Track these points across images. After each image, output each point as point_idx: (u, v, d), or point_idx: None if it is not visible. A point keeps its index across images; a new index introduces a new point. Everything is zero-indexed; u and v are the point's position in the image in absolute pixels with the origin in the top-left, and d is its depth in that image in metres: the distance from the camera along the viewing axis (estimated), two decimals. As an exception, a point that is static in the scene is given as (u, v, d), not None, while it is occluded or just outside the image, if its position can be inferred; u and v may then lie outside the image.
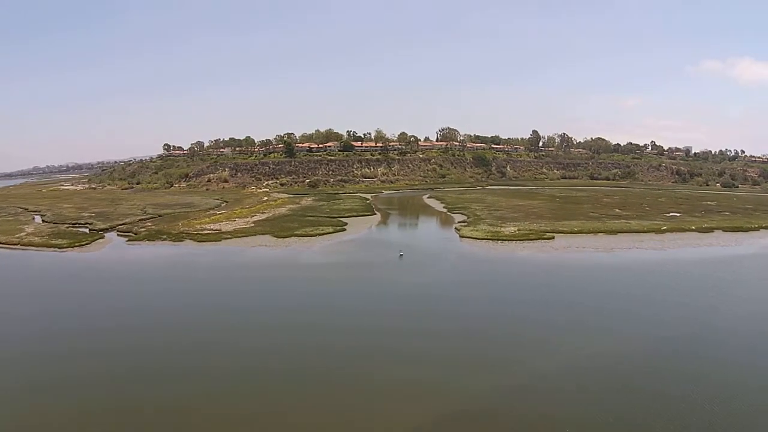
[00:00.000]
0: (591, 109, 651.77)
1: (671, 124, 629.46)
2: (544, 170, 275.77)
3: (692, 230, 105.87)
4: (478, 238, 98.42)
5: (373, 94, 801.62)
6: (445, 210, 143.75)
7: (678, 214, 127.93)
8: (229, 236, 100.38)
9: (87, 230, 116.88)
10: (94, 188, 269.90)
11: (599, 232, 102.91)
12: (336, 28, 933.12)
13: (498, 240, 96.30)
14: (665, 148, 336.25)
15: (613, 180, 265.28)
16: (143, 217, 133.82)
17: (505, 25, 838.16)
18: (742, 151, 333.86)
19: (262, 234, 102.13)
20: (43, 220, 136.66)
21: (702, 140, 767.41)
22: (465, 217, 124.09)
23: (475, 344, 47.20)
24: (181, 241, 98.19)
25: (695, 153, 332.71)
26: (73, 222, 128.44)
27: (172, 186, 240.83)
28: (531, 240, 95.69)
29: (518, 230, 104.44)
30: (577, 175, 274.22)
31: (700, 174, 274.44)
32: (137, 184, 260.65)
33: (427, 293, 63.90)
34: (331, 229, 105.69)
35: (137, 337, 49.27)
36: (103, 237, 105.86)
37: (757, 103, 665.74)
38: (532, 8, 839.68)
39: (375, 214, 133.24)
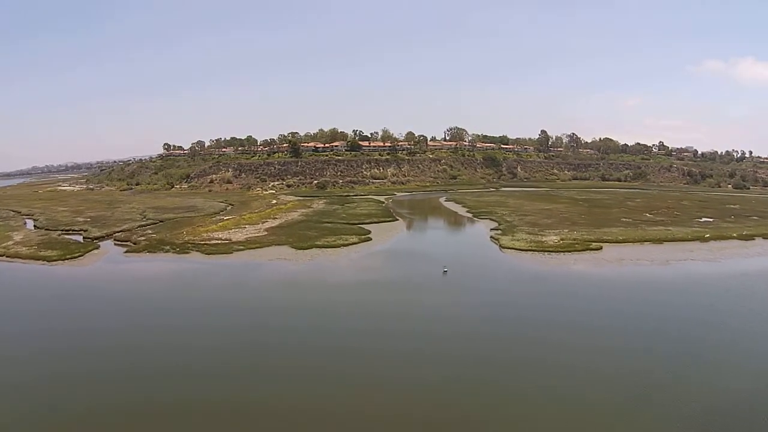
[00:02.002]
0: (591, 108, 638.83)
1: (672, 124, 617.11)
2: (555, 171, 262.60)
3: (734, 238, 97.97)
4: (522, 249, 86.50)
5: (373, 93, 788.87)
6: (470, 215, 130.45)
7: (710, 220, 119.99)
8: (241, 247, 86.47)
9: (81, 238, 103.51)
10: (92, 189, 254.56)
11: (644, 241, 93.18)
12: (335, 28, 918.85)
13: (544, 251, 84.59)
14: (670, 148, 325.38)
15: (625, 181, 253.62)
16: (143, 222, 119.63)
17: (505, 24, 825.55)
18: (750, 152, 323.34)
19: (279, 244, 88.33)
20: (35, 226, 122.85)
21: (702, 140, 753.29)
22: (496, 224, 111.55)
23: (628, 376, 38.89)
24: (187, 253, 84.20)
25: (702, 153, 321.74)
26: (66, 228, 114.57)
27: (172, 187, 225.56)
28: (578, 251, 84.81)
29: (561, 240, 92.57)
30: (589, 176, 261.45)
31: (711, 175, 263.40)
32: (136, 185, 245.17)
33: (505, 322, 51.91)
34: (355, 239, 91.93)
35: (134, 396, 35.56)
36: (98, 247, 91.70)
37: (759, 103, 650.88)
38: (532, 7, 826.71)
39: (396, 219, 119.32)
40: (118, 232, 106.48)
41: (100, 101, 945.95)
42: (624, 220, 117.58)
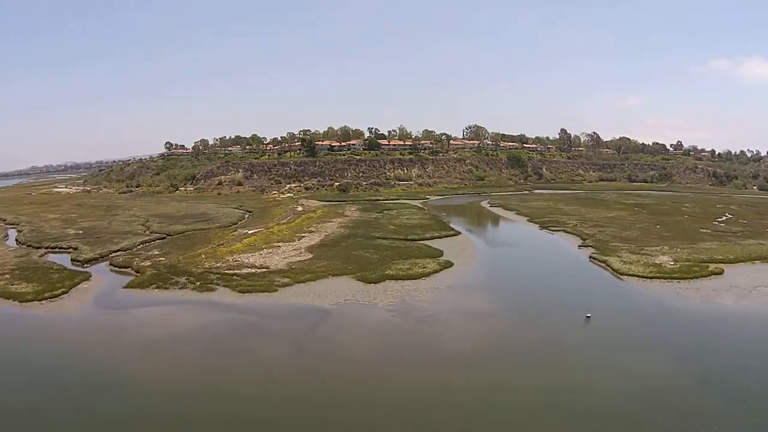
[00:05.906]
0: (591, 108, 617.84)
1: (674, 123, 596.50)
2: (581, 172, 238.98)
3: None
4: (643, 276, 63.64)
5: (381, 92, 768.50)
6: (534, 225, 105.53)
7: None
8: (286, 279, 60.52)
9: (69, 258, 77.97)
10: (89, 191, 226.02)
11: (754, 259, 73.05)
12: (339, 28, 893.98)
13: (670, 279, 62.33)
14: (686, 148, 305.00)
15: (652, 182, 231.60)
16: (146, 237, 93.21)
17: (505, 24, 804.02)
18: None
19: (336, 274, 62.53)
20: (17, 240, 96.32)
21: (705, 140, 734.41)
22: (578, 238, 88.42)
23: None
24: (211, 289, 58.22)
25: (719, 154, 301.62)
26: (53, 245, 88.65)
27: (177, 190, 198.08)
28: (703, 276, 63.75)
29: (675, 261, 69.98)
30: (614, 177, 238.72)
31: (736, 176, 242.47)
32: (137, 186, 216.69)
33: None
34: (434, 265, 66.11)
35: None
36: (88, 277, 65.35)
37: (764, 103, 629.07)
38: (535, 6, 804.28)
39: (458, 233, 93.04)
40: (115, 252, 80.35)
41: (100, 101, 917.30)
42: (703, 231, 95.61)
